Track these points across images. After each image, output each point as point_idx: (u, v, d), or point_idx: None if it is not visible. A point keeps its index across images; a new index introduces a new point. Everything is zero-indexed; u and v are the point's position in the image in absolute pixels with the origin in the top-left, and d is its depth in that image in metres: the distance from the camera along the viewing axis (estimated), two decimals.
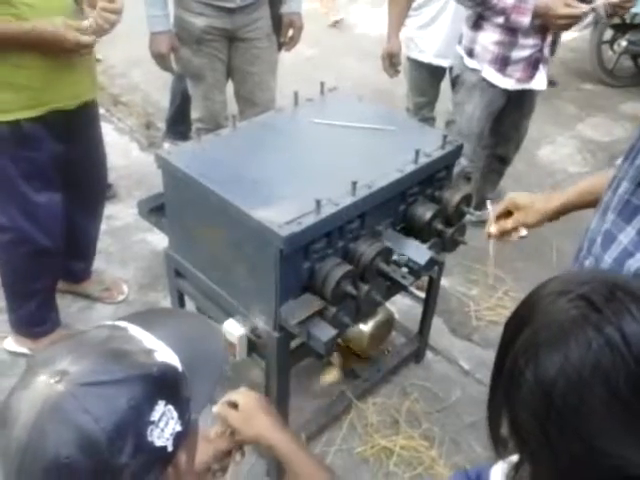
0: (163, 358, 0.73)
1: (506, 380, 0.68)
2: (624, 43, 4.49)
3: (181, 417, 0.72)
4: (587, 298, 0.64)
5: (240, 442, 1.14)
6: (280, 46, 2.75)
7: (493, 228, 1.48)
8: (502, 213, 1.47)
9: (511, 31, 2.34)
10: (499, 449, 0.75)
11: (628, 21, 4.56)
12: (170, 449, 0.70)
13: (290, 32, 2.68)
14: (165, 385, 0.71)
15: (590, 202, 1.31)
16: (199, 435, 0.82)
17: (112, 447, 0.64)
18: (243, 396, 1.16)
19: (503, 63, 2.42)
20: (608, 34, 4.63)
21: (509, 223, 1.45)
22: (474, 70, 2.47)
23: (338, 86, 2.19)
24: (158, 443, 0.68)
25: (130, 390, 0.67)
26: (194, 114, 2.71)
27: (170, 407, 0.70)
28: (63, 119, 1.94)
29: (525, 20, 2.27)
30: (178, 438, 0.71)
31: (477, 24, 2.40)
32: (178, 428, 0.71)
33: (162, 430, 0.69)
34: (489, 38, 2.39)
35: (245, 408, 1.13)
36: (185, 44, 2.48)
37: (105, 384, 0.66)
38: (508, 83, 2.47)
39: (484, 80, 2.46)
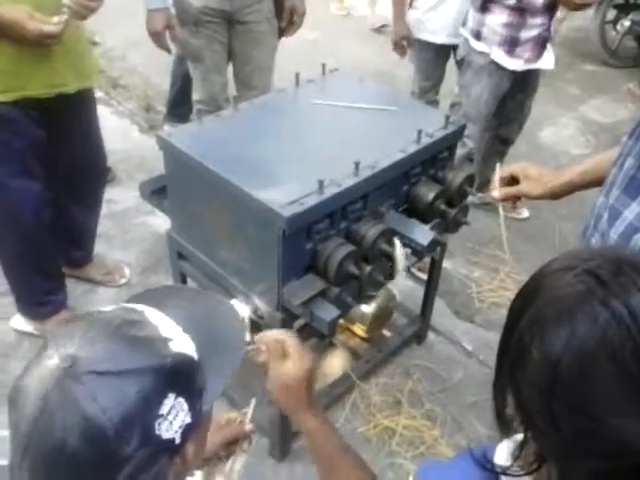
0: (179, 348, 0.71)
1: (512, 357, 0.68)
2: (627, 23, 4.45)
3: (192, 409, 0.70)
4: (593, 273, 0.63)
5: (248, 433, 1.10)
6: (281, 31, 2.71)
7: (496, 192, 1.47)
8: (509, 180, 1.47)
9: (520, 12, 2.33)
10: (504, 428, 0.75)
11: (631, 1, 4.52)
12: (178, 441, 0.69)
13: (293, 17, 2.64)
14: (178, 377, 0.70)
15: (596, 181, 1.30)
16: (211, 423, 0.80)
17: (118, 438, 0.64)
18: (297, 353, 1.00)
19: (512, 44, 2.41)
20: (611, 14, 4.59)
21: (513, 190, 1.45)
22: (482, 53, 2.45)
23: (339, 68, 2.17)
24: (166, 436, 0.67)
25: (140, 382, 0.66)
26: (195, 95, 2.71)
27: (181, 399, 0.69)
28: (42, 107, 1.90)
29: (539, 1, 2.26)
30: (187, 430, 0.70)
31: (484, 6, 2.38)
32: (188, 420, 0.70)
33: (171, 423, 0.68)
34: (497, 20, 2.37)
35: (293, 370, 0.98)
36: (184, 25, 2.47)
37: (116, 374, 0.65)
38: (517, 64, 2.46)
39: (492, 62, 2.45)
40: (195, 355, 0.73)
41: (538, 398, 0.64)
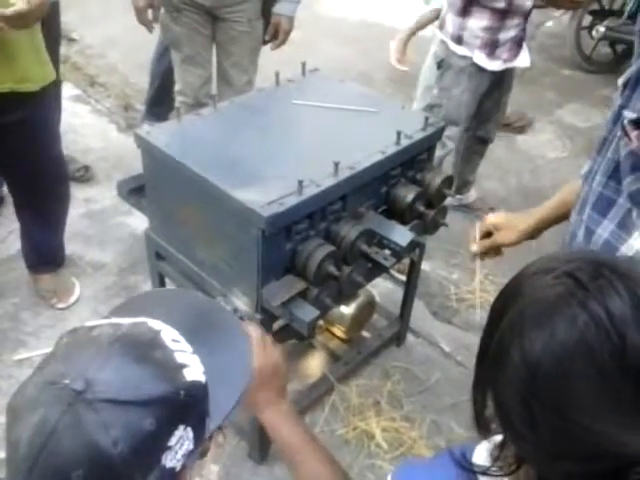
0: (192, 376, 0.69)
1: (492, 359, 0.68)
2: (602, 29, 4.52)
3: (196, 437, 0.69)
4: (573, 275, 0.64)
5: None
6: (264, 42, 2.69)
7: (475, 247, 1.50)
8: (483, 233, 1.50)
9: (500, 14, 2.36)
10: (482, 430, 0.75)
11: (607, 7, 4.60)
12: (179, 469, 0.67)
13: (278, 33, 2.60)
14: (189, 408, 0.68)
15: (565, 214, 1.34)
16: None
17: (125, 470, 0.62)
18: (260, 346, 0.98)
19: (493, 46, 2.45)
20: (587, 20, 4.66)
21: (488, 242, 1.48)
22: (463, 56, 2.48)
23: (319, 68, 2.17)
24: (169, 465, 0.66)
25: (154, 413, 0.64)
26: (176, 86, 2.73)
27: (189, 429, 0.67)
28: None
29: (528, 4, 2.30)
30: (188, 456, 0.68)
31: (465, 10, 2.40)
32: (190, 447, 0.68)
33: (176, 452, 0.66)
34: (478, 24, 2.40)
35: (258, 365, 0.95)
36: (167, 10, 2.50)
37: (129, 404, 0.63)
38: (496, 65, 2.50)
39: (473, 65, 2.48)
40: (204, 378, 0.71)
41: (517, 400, 0.65)
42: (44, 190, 2.24)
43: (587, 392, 0.60)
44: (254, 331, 1.01)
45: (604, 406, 0.60)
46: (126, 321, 0.72)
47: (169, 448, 0.65)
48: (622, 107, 1.04)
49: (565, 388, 0.61)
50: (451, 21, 2.47)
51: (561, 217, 1.39)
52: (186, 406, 0.67)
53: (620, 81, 1.09)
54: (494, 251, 1.52)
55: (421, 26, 3.19)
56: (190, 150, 1.59)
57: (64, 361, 0.65)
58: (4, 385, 2.09)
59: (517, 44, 2.51)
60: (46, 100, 2.04)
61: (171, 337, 0.72)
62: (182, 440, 0.66)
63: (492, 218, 1.49)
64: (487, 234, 1.49)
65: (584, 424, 0.60)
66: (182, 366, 0.69)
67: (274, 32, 2.59)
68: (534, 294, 0.65)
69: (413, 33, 3.18)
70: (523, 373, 0.63)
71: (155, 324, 0.73)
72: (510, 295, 0.69)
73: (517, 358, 0.64)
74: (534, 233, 1.45)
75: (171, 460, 0.66)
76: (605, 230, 1.08)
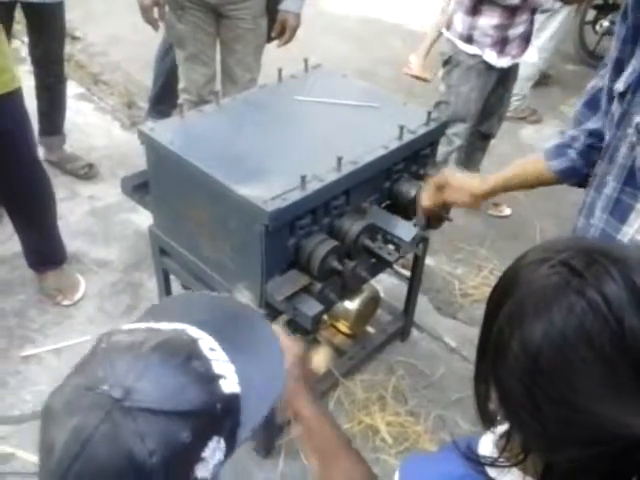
0: (228, 388, 0.69)
1: (492, 351, 0.69)
2: (606, 24, 4.49)
3: (228, 448, 0.68)
4: (568, 264, 0.64)
5: None
6: (270, 38, 2.68)
7: (426, 200, 1.54)
8: (436, 187, 1.51)
9: (510, 11, 2.36)
10: (487, 422, 0.75)
11: (611, 2, 4.58)
12: (209, 478, 0.67)
13: (284, 30, 2.58)
14: (224, 420, 0.67)
15: (519, 186, 1.38)
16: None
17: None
18: (286, 340, 0.97)
19: (502, 44, 2.45)
20: (591, 15, 4.64)
21: (438, 197, 1.50)
22: (473, 55, 2.48)
23: (322, 64, 2.17)
24: (201, 475, 0.65)
25: (190, 426, 0.63)
26: (180, 84, 2.72)
27: (222, 440, 0.67)
28: None
29: None
30: (218, 466, 0.68)
31: (476, 9, 2.40)
32: (222, 458, 0.68)
33: (208, 463, 0.65)
34: (489, 22, 2.40)
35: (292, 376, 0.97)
36: (171, 8, 2.49)
37: (167, 414, 0.62)
38: (505, 61, 2.51)
39: (482, 62, 2.48)
40: (239, 389, 0.71)
41: (520, 390, 0.65)
42: (25, 197, 2.23)
43: (588, 377, 0.61)
44: (278, 328, 1.00)
45: (605, 390, 0.61)
46: (165, 327, 0.72)
47: (202, 459, 0.65)
48: (625, 112, 1.05)
49: (566, 375, 0.62)
50: (460, 20, 2.46)
51: (514, 188, 1.41)
52: (222, 418, 0.67)
53: (621, 87, 1.09)
54: (439, 216, 1.54)
55: (439, 32, 3.19)
56: (193, 146, 1.60)
57: (103, 365, 0.65)
58: (11, 381, 2.11)
59: (525, 40, 2.52)
60: (5, 107, 1.99)
61: (209, 346, 0.71)
62: (215, 451, 0.66)
63: (448, 174, 1.50)
64: (438, 187, 1.51)
65: (587, 409, 0.61)
66: (220, 377, 0.68)
67: (281, 29, 2.58)
68: (531, 284, 0.66)
69: (433, 43, 3.18)
70: (524, 363, 0.64)
71: (193, 332, 0.72)
72: (506, 287, 0.70)
73: (517, 348, 0.64)
74: (482, 199, 1.46)
75: (203, 471, 0.65)
76: (625, 236, 1.10)
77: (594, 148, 1.25)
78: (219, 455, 0.67)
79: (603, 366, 0.60)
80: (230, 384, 0.70)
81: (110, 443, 0.60)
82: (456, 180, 1.47)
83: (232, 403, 0.69)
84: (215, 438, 0.66)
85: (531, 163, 1.39)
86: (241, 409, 0.71)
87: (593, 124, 1.27)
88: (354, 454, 0.99)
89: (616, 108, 1.12)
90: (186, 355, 0.67)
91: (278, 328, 1.01)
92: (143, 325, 0.72)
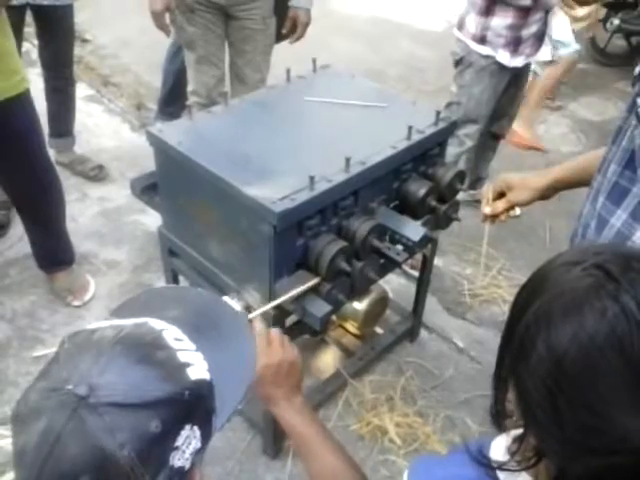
0: (196, 374, 0.69)
1: (516, 350, 0.67)
2: (617, 22, 4.46)
3: (204, 435, 0.68)
4: (603, 267, 0.63)
5: None
6: (280, 36, 2.68)
7: (488, 209, 1.48)
8: (496, 194, 1.47)
9: (524, 11, 2.35)
10: (499, 423, 0.74)
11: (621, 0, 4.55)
12: (187, 467, 0.67)
13: (295, 27, 2.59)
14: (195, 407, 0.67)
15: (583, 180, 1.30)
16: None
17: (133, 473, 0.61)
18: (279, 341, 1.03)
19: (516, 44, 2.44)
20: (601, 12, 4.61)
21: (501, 204, 1.46)
22: (486, 56, 2.47)
23: (330, 64, 2.17)
24: (177, 464, 0.65)
25: (160, 415, 0.63)
26: (189, 86, 2.73)
27: (195, 428, 0.67)
28: None
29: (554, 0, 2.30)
30: (196, 454, 0.68)
31: (489, 10, 2.39)
32: (198, 445, 0.68)
33: (183, 452, 0.66)
34: (502, 23, 2.39)
35: (273, 357, 1.01)
36: (181, 11, 2.49)
37: (136, 406, 0.62)
38: (518, 61, 2.50)
39: (495, 63, 2.47)
40: (209, 376, 0.71)
41: (542, 392, 0.64)
42: (35, 198, 2.25)
43: (614, 385, 0.59)
44: (258, 327, 1.02)
45: (632, 399, 0.59)
46: (128, 322, 0.72)
47: (176, 448, 0.65)
48: (637, 95, 1.03)
49: (592, 380, 0.60)
50: (473, 21, 2.45)
51: (577, 182, 1.35)
52: (192, 405, 0.67)
53: (637, 70, 1.08)
54: (506, 211, 1.48)
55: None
56: (202, 147, 1.60)
57: (66, 366, 0.65)
58: (22, 382, 2.12)
59: (539, 39, 2.51)
60: (14, 109, 1.99)
61: (173, 336, 0.71)
62: (189, 439, 0.66)
63: (505, 177, 1.46)
64: (500, 195, 1.47)
65: (610, 417, 0.60)
66: (186, 365, 0.68)
67: (292, 26, 2.58)
68: (562, 285, 0.65)
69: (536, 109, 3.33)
70: (549, 364, 0.63)
71: (157, 324, 0.72)
72: (536, 286, 0.68)
73: (543, 349, 0.63)
74: (548, 192, 1.41)
75: (179, 460, 0.65)
76: (618, 220, 1.07)
77: None
78: (195, 443, 0.67)
79: (631, 375, 0.59)
80: (198, 371, 0.69)
81: (79, 440, 0.60)
82: (516, 181, 1.43)
83: (202, 390, 0.69)
84: (187, 426, 0.66)
85: (593, 157, 1.32)
86: (214, 396, 0.71)
87: None
88: (334, 447, 1.00)
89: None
90: (149, 346, 0.68)
91: (261, 327, 1.04)
92: (107, 323, 0.72)
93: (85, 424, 0.60)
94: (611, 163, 1.10)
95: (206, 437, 0.69)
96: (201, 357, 0.72)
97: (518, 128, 3.40)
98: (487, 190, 1.49)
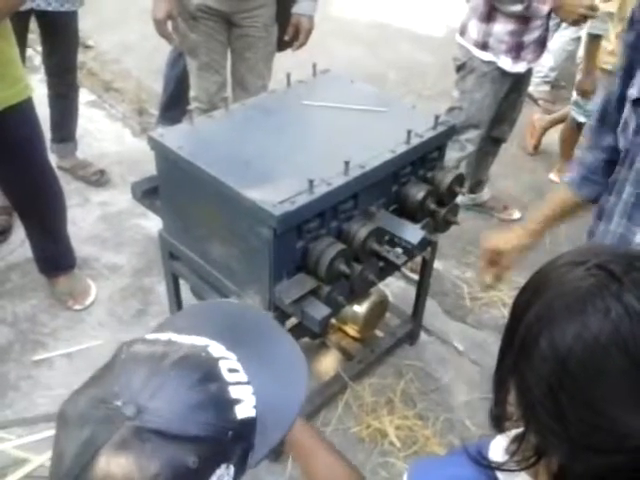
0: (243, 413, 0.67)
1: (518, 349, 0.67)
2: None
3: (237, 472, 0.67)
4: (605, 267, 0.63)
5: None
6: (282, 43, 2.67)
7: (488, 279, 1.60)
8: (489, 262, 1.56)
9: (524, 18, 2.37)
10: (499, 424, 0.74)
11: None
12: None
13: (298, 33, 2.57)
14: (234, 447, 0.66)
15: (562, 219, 1.42)
16: None
17: None
18: None
19: (518, 50, 2.45)
20: None
21: (498, 271, 1.57)
22: (488, 62, 2.48)
23: (330, 69, 2.19)
24: None
25: (200, 451, 0.62)
26: (191, 92, 2.74)
27: (231, 467, 0.66)
28: None
29: (545, 9, 2.31)
30: None
31: (490, 16, 2.40)
32: None
33: None
34: (503, 29, 2.40)
35: None
36: (183, 18, 2.51)
37: (176, 439, 0.61)
38: (520, 67, 2.51)
39: (497, 69, 2.48)
40: (254, 413, 0.69)
41: (544, 390, 0.64)
42: (37, 203, 2.26)
43: (618, 384, 0.60)
44: None
45: (635, 398, 0.59)
46: (185, 340, 0.71)
47: None
48: None
49: (595, 379, 0.60)
50: (475, 27, 2.46)
51: (558, 221, 1.46)
52: (232, 445, 0.66)
53: (635, 93, 1.09)
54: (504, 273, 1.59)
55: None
56: (202, 151, 1.61)
57: (119, 379, 0.65)
58: (24, 385, 2.13)
59: (541, 44, 2.52)
60: (17, 117, 2.00)
61: (228, 366, 0.70)
62: (222, 477, 0.65)
63: (490, 247, 1.55)
64: (492, 262, 1.56)
65: (613, 416, 0.60)
66: (235, 402, 0.67)
67: (294, 33, 2.58)
68: (564, 285, 0.65)
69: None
70: (552, 363, 0.63)
71: (216, 350, 0.71)
72: (537, 286, 0.68)
73: (546, 348, 0.63)
74: (536, 242, 1.52)
75: None
76: None
77: (613, 162, 1.27)
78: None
79: (635, 374, 0.59)
80: (246, 408, 0.68)
81: (117, 460, 0.60)
82: (503, 246, 1.52)
83: (245, 430, 0.68)
84: (223, 465, 0.65)
85: (563, 200, 1.43)
86: (255, 431, 0.69)
87: (605, 141, 1.30)
88: (334, 453, 1.00)
89: (629, 114, 1.12)
90: (203, 374, 0.66)
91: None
92: (164, 336, 0.71)
93: (126, 445, 0.60)
94: (625, 184, 1.13)
95: (239, 473, 0.68)
96: (251, 391, 0.70)
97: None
98: (481, 261, 1.60)
